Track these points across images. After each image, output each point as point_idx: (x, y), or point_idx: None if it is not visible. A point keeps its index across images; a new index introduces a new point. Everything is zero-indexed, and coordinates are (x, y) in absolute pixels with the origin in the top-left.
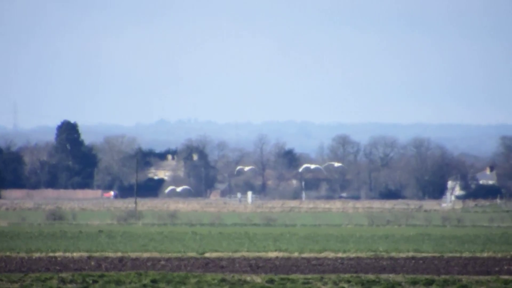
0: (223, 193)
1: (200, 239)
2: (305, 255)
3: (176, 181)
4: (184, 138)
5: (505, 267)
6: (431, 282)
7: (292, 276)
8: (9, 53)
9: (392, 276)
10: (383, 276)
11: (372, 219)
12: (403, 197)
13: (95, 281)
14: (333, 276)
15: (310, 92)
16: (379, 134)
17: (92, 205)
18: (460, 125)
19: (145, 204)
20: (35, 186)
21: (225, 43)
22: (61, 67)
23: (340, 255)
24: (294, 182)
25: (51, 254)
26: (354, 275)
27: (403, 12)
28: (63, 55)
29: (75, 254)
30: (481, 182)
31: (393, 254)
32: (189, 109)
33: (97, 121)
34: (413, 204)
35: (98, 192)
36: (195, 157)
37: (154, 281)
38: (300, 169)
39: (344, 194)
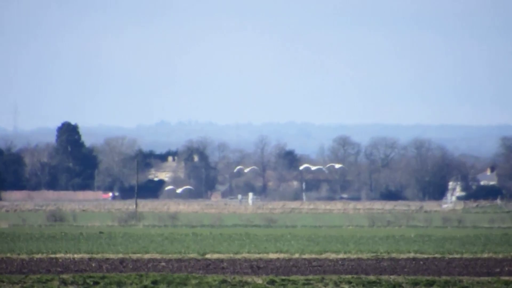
0: (224, 195)
1: (200, 240)
2: (305, 256)
3: (176, 182)
4: (185, 139)
5: (506, 268)
6: (432, 283)
7: (293, 277)
8: (9, 54)
9: (393, 277)
10: (384, 277)
11: (373, 220)
12: (404, 198)
13: (96, 283)
14: (334, 277)
15: (311, 93)
16: (380, 135)
17: (93, 206)
18: (460, 126)
19: (146, 206)
20: (36, 187)
21: (225, 44)
22: (61, 68)
23: (341, 256)
24: (295, 183)
25: (52, 256)
26: (355, 276)
27: (405, 13)
28: (63, 56)
29: (76, 256)
30: (481, 183)
31: (394, 255)
32: (189, 111)
33: (98, 123)
34: (413, 205)
35: (99, 194)
36: (196, 158)
37: (155, 282)
38: (301, 168)
39: (344, 195)
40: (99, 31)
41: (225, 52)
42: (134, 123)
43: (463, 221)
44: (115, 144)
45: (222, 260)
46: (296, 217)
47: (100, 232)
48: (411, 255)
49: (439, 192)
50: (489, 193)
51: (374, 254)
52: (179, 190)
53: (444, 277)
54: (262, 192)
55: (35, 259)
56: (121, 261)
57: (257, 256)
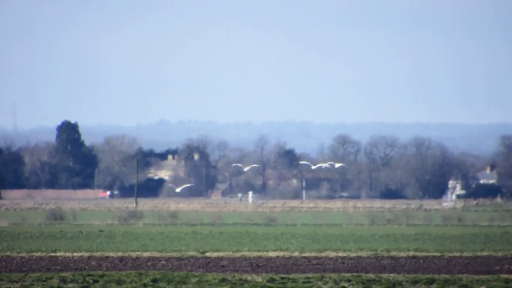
0: (224, 193)
1: (200, 238)
2: (305, 254)
3: (176, 181)
4: (185, 138)
5: (506, 266)
6: (431, 281)
7: (293, 275)
8: (8, 52)
9: (392, 276)
10: (384, 275)
11: (373, 218)
12: (404, 197)
13: (95, 281)
14: (333, 276)
15: (310, 92)
16: (380, 133)
17: (93, 205)
18: (460, 125)
19: (146, 204)
20: (36, 186)
21: (225, 43)
22: (61, 67)
23: (340, 254)
24: (295, 181)
25: (51, 254)
26: (355, 274)
27: (404, 12)
28: (62, 55)
29: (75, 254)
30: (481, 181)
31: (394, 253)
32: (189, 109)
33: (97, 122)
34: (413, 203)
35: (98, 192)
36: (196, 157)
37: (154, 280)
38: (301, 162)
39: (344, 194)
40: (99, 29)
41: (225, 51)
42: (134, 122)
43: (463, 219)
44: (115, 143)
45: (222, 259)
46: (296, 215)
47: (100, 231)
48: (411, 253)
49: (439, 191)
50: (489, 191)
51: (374, 253)
52: (178, 189)
53: (443, 275)
54: (262, 190)
55: (35, 257)
56: (121, 259)
57: (257, 254)
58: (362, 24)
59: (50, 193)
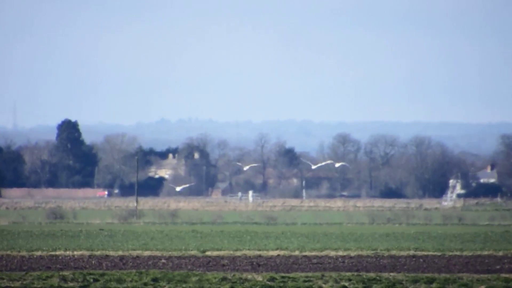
0: (224, 192)
1: (201, 237)
2: (306, 253)
3: (176, 179)
4: (185, 137)
5: (506, 266)
6: (431, 280)
7: (293, 274)
8: (8, 51)
9: (393, 275)
10: (384, 274)
11: (373, 217)
12: (404, 196)
13: (96, 280)
14: (334, 275)
15: (310, 91)
16: (380, 132)
17: (93, 204)
18: (460, 124)
19: (146, 203)
20: (36, 185)
21: (225, 42)
22: (61, 66)
23: (341, 253)
24: (295, 180)
25: (52, 253)
26: (355, 273)
27: (404, 11)
28: (62, 54)
29: (76, 253)
30: (481, 180)
31: (394, 252)
32: (189, 108)
33: (97, 121)
34: (413, 202)
35: (98, 191)
36: (196, 155)
37: (155, 279)
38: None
39: (344, 193)
40: (99, 29)
41: (225, 50)
42: (134, 120)
43: (463, 218)
44: (115, 142)
45: (222, 257)
46: (296, 214)
47: (100, 230)
48: (411, 252)
49: (439, 190)
50: (489, 190)
51: (374, 252)
52: (178, 188)
53: (444, 275)
54: (262, 189)
55: (35, 256)
56: (121, 258)
57: (257, 253)
58: (362, 24)
59: (50, 192)
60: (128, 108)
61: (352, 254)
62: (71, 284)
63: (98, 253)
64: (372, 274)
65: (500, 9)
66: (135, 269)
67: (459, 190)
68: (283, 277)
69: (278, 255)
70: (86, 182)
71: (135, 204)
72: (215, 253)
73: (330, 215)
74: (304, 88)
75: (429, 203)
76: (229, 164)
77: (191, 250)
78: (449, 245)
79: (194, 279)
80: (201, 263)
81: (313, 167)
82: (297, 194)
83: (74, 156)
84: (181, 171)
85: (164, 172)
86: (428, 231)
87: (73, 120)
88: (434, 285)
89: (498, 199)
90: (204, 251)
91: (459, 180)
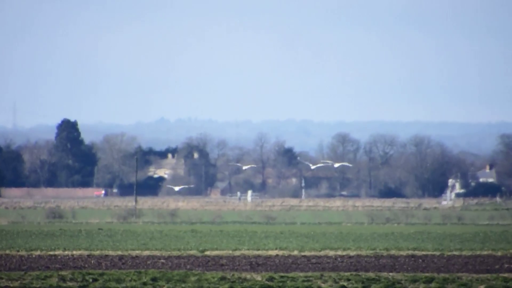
0: (223, 192)
1: (200, 237)
2: (305, 253)
3: (176, 179)
4: (184, 136)
5: (505, 265)
6: (430, 280)
7: (292, 274)
8: (8, 52)
9: (392, 274)
10: (383, 274)
11: (372, 217)
12: (403, 196)
13: (95, 280)
14: (333, 274)
15: (310, 91)
16: (379, 132)
17: (92, 203)
18: (460, 123)
19: (145, 203)
20: (35, 184)
21: (225, 42)
22: (60, 66)
23: (340, 253)
24: (294, 180)
25: (51, 253)
26: (354, 273)
27: (403, 10)
28: (62, 54)
29: (75, 252)
30: (481, 180)
31: (393, 252)
32: (189, 108)
33: (97, 120)
34: (413, 202)
35: (96, 191)
36: (195, 155)
37: (154, 279)
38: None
39: (344, 193)
40: (98, 28)
41: (224, 50)
42: (133, 120)
43: (462, 218)
44: (115, 141)
45: (221, 257)
46: (295, 214)
47: (99, 229)
48: (410, 252)
49: (438, 189)
50: (488, 190)
51: (373, 251)
52: (177, 189)
53: (443, 274)
54: (261, 189)
55: (34, 256)
56: (120, 258)
57: (256, 253)
58: (361, 24)
59: (50, 191)
60: (127, 107)
61: (351, 253)
62: (70, 284)
63: (97, 252)
64: (371, 274)
65: (499, 8)
66: (134, 269)
67: (458, 189)
68: (282, 276)
69: (277, 254)
70: (86, 181)
71: (134, 204)
72: (214, 252)
73: (329, 215)
74: (303, 87)
75: (429, 202)
76: (228, 164)
77: (190, 249)
78: (448, 244)
79: (193, 278)
80: (200, 263)
81: (312, 167)
82: (296, 194)
83: (73, 156)
84: (180, 171)
85: (164, 172)
86: (427, 230)
87: (72, 119)
88: (433, 284)
89: (498, 199)
90: (203, 251)
91: (458, 180)
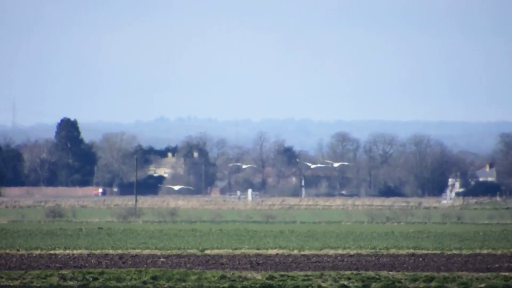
0: (223, 191)
1: (200, 236)
2: (305, 252)
3: (176, 178)
4: (184, 135)
5: (505, 264)
6: (431, 279)
7: (292, 273)
8: (8, 51)
9: (392, 273)
10: (383, 273)
11: (372, 216)
12: (403, 195)
13: (95, 278)
14: (333, 273)
15: (309, 90)
16: (379, 131)
17: (92, 202)
18: (459, 123)
19: (145, 202)
20: (35, 183)
21: (225, 41)
22: (60, 65)
23: (340, 252)
24: (294, 179)
25: (51, 252)
26: (354, 272)
27: (403, 10)
28: (62, 53)
29: (75, 252)
30: (480, 179)
31: (393, 251)
32: (188, 107)
33: (96, 119)
34: (412, 201)
35: (95, 190)
36: (195, 154)
37: (154, 278)
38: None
39: (343, 192)
40: (98, 27)
41: (224, 49)
42: (133, 119)
43: (462, 217)
44: (115, 140)
45: (221, 256)
46: (295, 213)
47: (99, 228)
48: (410, 251)
49: (438, 189)
50: (488, 189)
51: (373, 250)
52: (176, 188)
53: (443, 273)
54: (261, 188)
55: (34, 255)
56: (120, 257)
57: (256, 252)
58: (361, 23)
59: (50, 190)
60: (127, 106)
61: (351, 252)
62: (70, 283)
63: (97, 251)
64: (371, 273)
65: (499, 8)
66: (135, 268)
67: (458, 188)
68: (282, 275)
69: (277, 253)
70: (86, 180)
71: (134, 203)
72: (214, 251)
73: (329, 214)
74: (303, 87)
75: (428, 201)
76: (228, 163)
77: (190, 248)
78: (448, 243)
79: (193, 277)
80: (200, 262)
81: (312, 166)
82: (296, 193)
83: (73, 155)
84: (180, 170)
85: (163, 171)
86: (427, 229)
87: (72, 118)
88: (433, 283)
89: (497, 198)
90: (203, 250)
91: (458, 179)
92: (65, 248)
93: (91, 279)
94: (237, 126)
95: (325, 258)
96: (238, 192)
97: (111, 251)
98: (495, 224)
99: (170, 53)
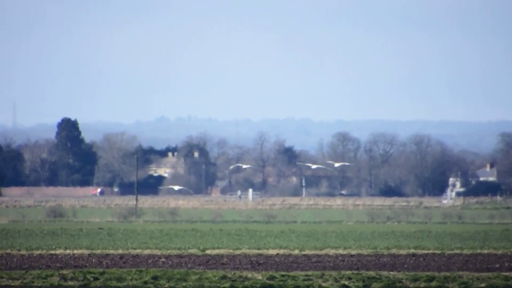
0: (223, 190)
1: (200, 236)
2: (305, 252)
3: (176, 178)
4: (184, 135)
5: (506, 264)
6: (431, 279)
7: (293, 273)
8: (8, 51)
9: (392, 273)
10: (384, 273)
11: (373, 216)
12: (403, 194)
13: (96, 278)
14: (333, 273)
15: (310, 90)
16: (379, 131)
17: (93, 202)
18: (460, 122)
19: (146, 202)
20: (35, 183)
21: (225, 41)
22: (60, 65)
23: (340, 252)
24: (294, 179)
25: (51, 252)
26: (355, 272)
27: (403, 10)
28: (62, 53)
29: (75, 251)
30: (481, 178)
31: (394, 251)
32: (189, 107)
33: (97, 119)
34: (413, 201)
35: (94, 190)
36: (196, 154)
37: (155, 278)
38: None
39: (344, 191)
40: (98, 28)
41: (224, 49)
42: (133, 119)
43: (462, 217)
44: (115, 140)
45: (222, 256)
46: (295, 213)
47: (100, 228)
48: (411, 251)
49: (438, 188)
50: (489, 189)
51: (373, 250)
52: (176, 188)
53: (443, 273)
54: (261, 188)
55: (35, 255)
56: (121, 256)
57: (257, 252)
58: (361, 23)
59: (50, 190)
60: (127, 106)
61: (352, 252)
62: (71, 283)
63: (98, 251)
64: (372, 273)
65: (499, 7)
66: (135, 268)
67: (458, 188)
68: (283, 275)
69: (278, 253)
70: (86, 180)
71: (135, 203)
72: (215, 251)
73: (329, 214)
74: (303, 86)
75: (429, 201)
76: (228, 163)
77: (191, 248)
78: (449, 243)
79: (194, 277)
80: (201, 262)
81: (313, 166)
82: (296, 193)
83: (73, 155)
84: (180, 170)
85: (164, 171)
86: (427, 229)
87: (72, 118)
88: (434, 283)
89: (498, 198)
90: (203, 250)
91: (458, 179)
92: (66, 248)
93: (91, 279)
94: (237, 126)
95: (325, 258)
96: (239, 192)
97: (111, 251)
98: (496, 224)
99: (170, 53)
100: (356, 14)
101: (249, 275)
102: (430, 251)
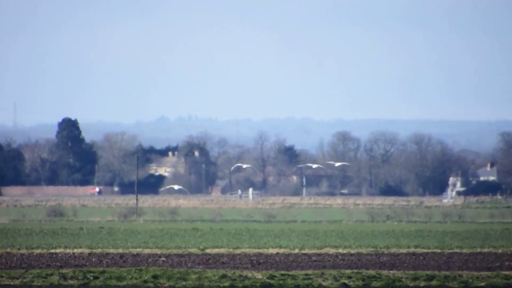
0: (224, 190)
1: (200, 235)
2: (305, 251)
3: (176, 177)
4: (184, 135)
5: (506, 263)
6: (431, 278)
7: (293, 272)
8: (8, 51)
9: (392, 272)
10: (384, 272)
11: (373, 215)
12: (404, 194)
13: (96, 277)
14: (333, 272)
15: (310, 89)
16: (379, 130)
17: (93, 202)
18: (460, 121)
19: (146, 201)
20: (36, 183)
21: (225, 40)
22: (61, 65)
23: (340, 251)
24: (295, 178)
25: (52, 251)
26: (355, 271)
27: (403, 9)
28: (62, 53)
29: (76, 251)
30: (481, 178)
31: (394, 250)
32: (189, 106)
33: (97, 119)
34: (413, 200)
35: (92, 189)
36: (196, 153)
37: (155, 277)
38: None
39: (344, 191)
40: (98, 27)
41: (224, 48)
42: (133, 119)
43: (463, 216)
44: (115, 140)
45: (222, 255)
46: (296, 212)
47: (100, 228)
48: (411, 250)
49: (439, 188)
50: (489, 188)
51: (374, 249)
52: (176, 187)
53: (443, 272)
54: (262, 187)
55: (35, 254)
56: (121, 256)
57: (257, 251)
58: (361, 23)
59: (51, 189)
60: (127, 106)
61: (352, 251)
62: (71, 282)
63: (98, 251)
64: (372, 272)
65: (498, 7)
66: (135, 267)
67: (459, 187)
68: (282, 274)
69: (278, 252)
70: (86, 180)
71: (135, 202)
72: (215, 251)
73: (330, 213)
74: (303, 86)
75: (429, 200)
76: (228, 162)
77: (191, 247)
78: (449, 242)
79: (194, 276)
80: (201, 261)
81: (313, 166)
82: (297, 192)
83: (74, 154)
84: (181, 169)
85: (164, 170)
86: (428, 228)
87: (73, 118)
88: (434, 282)
89: (498, 197)
90: (203, 249)
91: (459, 178)
92: (66, 247)
93: (91, 278)
94: (237, 125)
95: (325, 257)
96: (239, 191)
97: (111, 250)
98: (496, 223)
99: (170, 53)
100: (356, 14)
101: (249, 274)
102: (430, 250)
